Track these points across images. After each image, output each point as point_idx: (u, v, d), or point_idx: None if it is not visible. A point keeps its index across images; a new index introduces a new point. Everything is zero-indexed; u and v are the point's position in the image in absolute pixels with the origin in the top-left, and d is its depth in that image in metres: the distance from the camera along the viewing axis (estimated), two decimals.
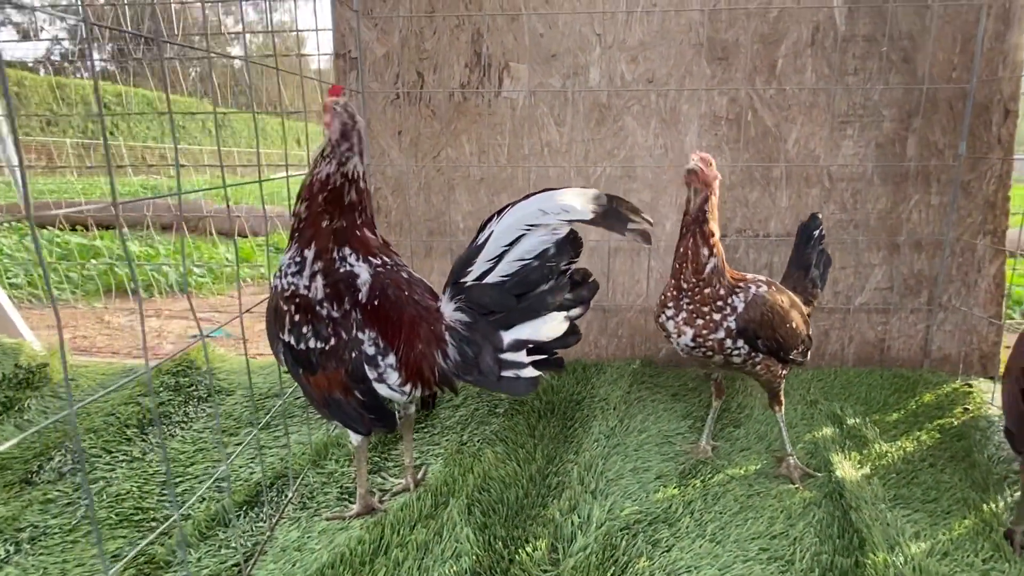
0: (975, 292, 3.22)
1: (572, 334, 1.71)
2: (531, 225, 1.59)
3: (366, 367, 1.81)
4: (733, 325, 2.07)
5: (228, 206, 1.92)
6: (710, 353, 2.11)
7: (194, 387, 2.97)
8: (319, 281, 1.84)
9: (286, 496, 2.15)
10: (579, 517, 1.95)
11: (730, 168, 3.17)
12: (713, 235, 2.08)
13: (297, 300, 1.85)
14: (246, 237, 7.65)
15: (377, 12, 3.17)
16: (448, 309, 1.76)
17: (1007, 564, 1.79)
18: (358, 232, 1.92)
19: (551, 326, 1.66)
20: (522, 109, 3.23)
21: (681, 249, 2.11)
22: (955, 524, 1.99)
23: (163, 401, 2.81)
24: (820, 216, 2.52)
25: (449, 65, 3.21)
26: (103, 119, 1.30)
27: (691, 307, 2.10)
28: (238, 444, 2.51)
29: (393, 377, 1.81)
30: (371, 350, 1.81)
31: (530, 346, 1.68)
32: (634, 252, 3.31)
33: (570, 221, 1.59)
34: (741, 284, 2.14)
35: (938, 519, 2.02)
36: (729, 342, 2.08)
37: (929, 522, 2.00)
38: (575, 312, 1.70)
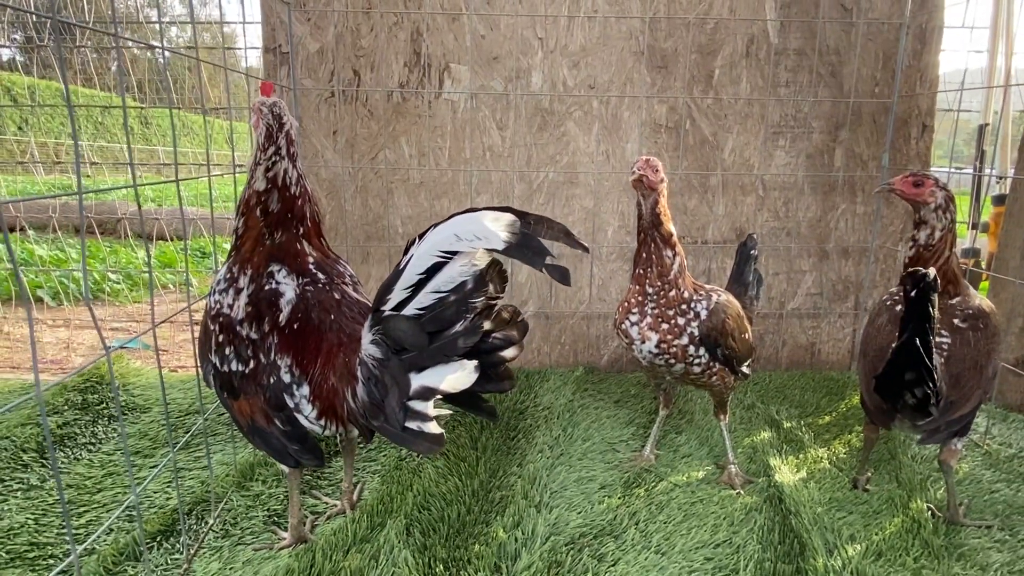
0: None
1: (507, 378, 1.50)
2: (446, 252, 1.34)
3: (284, 395, 1.67)
4: (696, 332, 2.06)
5: (139, 207, 1.74)
6: (672, 361, 2.09)
7: (104, 404, 2.72)
8: (242, 299, 1.71)
9: (206, 523, 1.98)
10: (523, 533, 1.88)
11: (670, 176, 3.20)
12: (672, 235, 2.09)
13: (221, 319, 1.73)
14: (167, 240, 7.19)
15: (311, 6, 3.01)
16: (365, 340, 1.52)
17: (936, 561, 1.84)
18: (298, 245, 1.79)
19: (459, 376, 1.40)
20: (463, 111, 3.15)
21: (643, 255, 2.10)
22: (886, 523, 2.04)
23: (68, 421, 2.55)
24: (755, 235, 2.58)
25: (387, 64, 3.09)
26: None
27: (656, 311, 2.08)
28: (154, 467, 2.30)
29: (307, 410, 1.67)
30: (287, 378, 1.67)
31: (438, 396, 1.44)
32: (576, 258, 3.29)
33: (486, 250, 1.35)
34: (702, 292, 2.15)
35: (870, 520, 2.07)
36: (692, 349, 2.07)
37: (862, 523, 2.05)
38: (510, 353, 1.47)
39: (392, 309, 1.40)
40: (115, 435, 2.54)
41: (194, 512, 2.02)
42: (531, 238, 1.33)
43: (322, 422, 1.67)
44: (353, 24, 3.05)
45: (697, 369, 2.13)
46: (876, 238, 3.30)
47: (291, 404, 1.67)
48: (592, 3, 3.06)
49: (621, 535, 1.94)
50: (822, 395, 3.04)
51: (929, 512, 2.07)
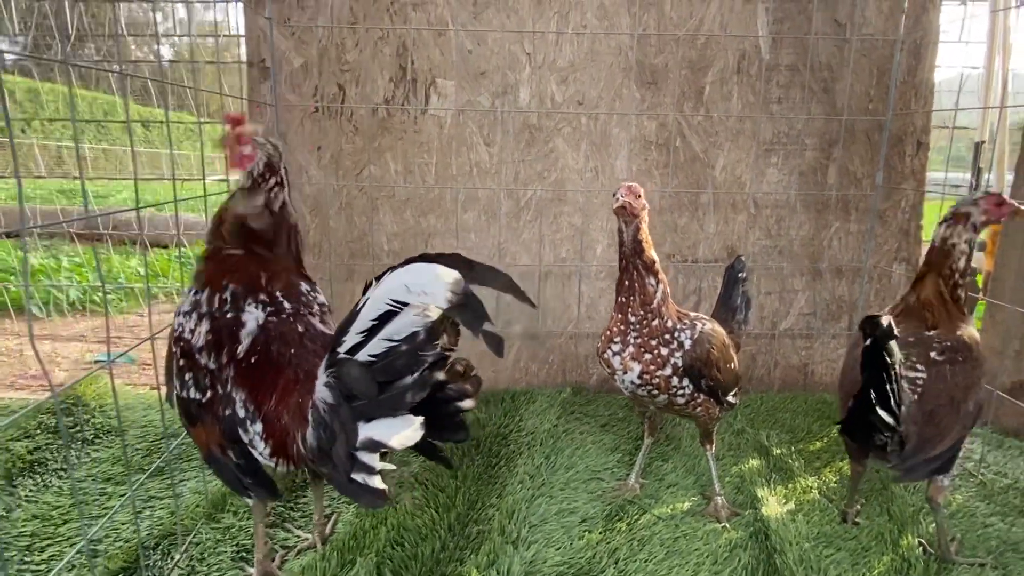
0: None
1: (460, 429, 1.42)
2: (396, 301, 1.29)
3: (239, 429, 1.61)
4: (680, 363, 2.01)
5: (142, 233, 1.69)
6: (656, 392, 2.03)
7: (78, 428, 2.66)
8: (204, 326, 1.67)
9: (172, 559, 1.92)
10: (498, 573, 1.82)
11: (660, 193, 3.14)
12: (655, 262, 2.03)
13: (182, 344, 1.69)
14: (165, 247, 7.14)
15: (294, 20, 2.97)
16: (320, 382, 1.45)
17: None
18: (269, 270, 1.76)
19: (404, 432, 1.32)
20: (450, 127, 3.09)
21: (626, 283, 2.04)
22: (875, 562, 1.98)
23: (40, 446, 2.50)
24: (743, 257, 2.52)
25: (373, 79, 3.04)
26: None
27: (639, 341, 2.02)
28: (123, 495, 2.24)
29: (261, 446, 1.60)
30: (241, 412, 1.61)
31: (383, 450, 1.37)
32: (565, 277, 3.23)
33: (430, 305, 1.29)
34: (686, 320, 2.09)
35: (858, 557, 2.01)
36: (675, 380, 2.01)
37: (850, 561, 1.98)
38: (464, 405, 1.41)
39: (347, 352, 1.35)
40: (89, 460, 2.49)
41: (160, 547, 1.96)
42: (474, 299, 1.27)
43: (274, 460, 1.61)
44: (338, 38, 3.00)
45: (681, 400, 2.07)
46: (870, 257, 3.24)
47: (245, 439, 1.61)
48: (581, 19, 3.01)
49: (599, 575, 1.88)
50: (814, 419, 2.97)
51: (920, 548, 2.01)
